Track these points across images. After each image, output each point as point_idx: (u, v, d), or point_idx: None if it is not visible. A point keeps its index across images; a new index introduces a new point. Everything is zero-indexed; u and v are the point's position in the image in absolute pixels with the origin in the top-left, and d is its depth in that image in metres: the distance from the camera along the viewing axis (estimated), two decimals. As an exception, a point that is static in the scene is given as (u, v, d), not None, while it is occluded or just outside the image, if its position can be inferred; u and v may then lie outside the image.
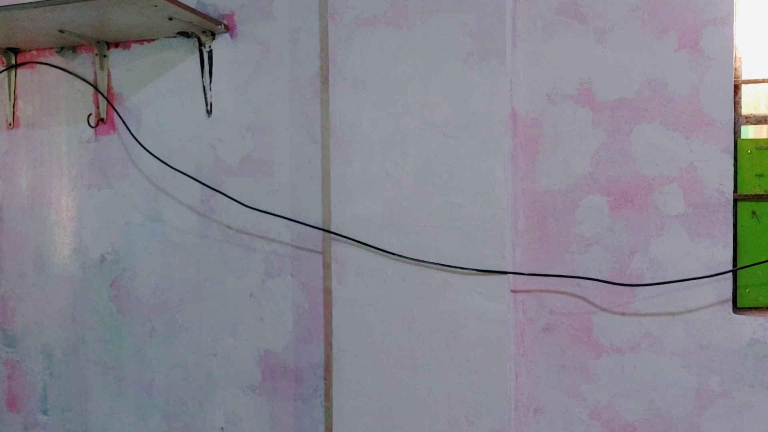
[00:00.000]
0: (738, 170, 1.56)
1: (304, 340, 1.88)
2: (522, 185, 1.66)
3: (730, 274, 1.54)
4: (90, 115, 2.05)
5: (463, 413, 1.61)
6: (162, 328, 2.01)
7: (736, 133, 1.57)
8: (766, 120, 1.58)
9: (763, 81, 1.59)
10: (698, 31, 1.53)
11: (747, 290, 1.57)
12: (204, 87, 1.93)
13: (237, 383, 1.94)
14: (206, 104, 1.93)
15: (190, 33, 1.91)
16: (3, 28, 1.84)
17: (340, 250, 1.69)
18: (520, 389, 1.67)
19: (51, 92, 2.10)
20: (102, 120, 2.04)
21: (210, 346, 1.96)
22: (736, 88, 1.56)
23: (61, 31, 1.87)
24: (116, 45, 2.02)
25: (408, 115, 1.63)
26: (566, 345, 1.64)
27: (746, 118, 1.58)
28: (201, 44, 1.92)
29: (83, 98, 2.06)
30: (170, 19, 1.76)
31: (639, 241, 1.58)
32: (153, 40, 1.98)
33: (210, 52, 1.92)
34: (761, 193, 1.56)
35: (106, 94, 2.02)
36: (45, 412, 2.15)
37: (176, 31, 1.89)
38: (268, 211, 1.86)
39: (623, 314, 1.60)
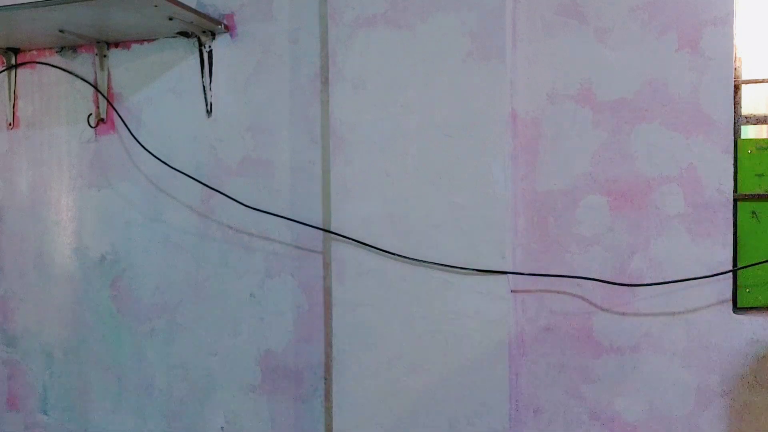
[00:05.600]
0: (738, 170, 1.56)
1: (304, 340, 1.88)
2: (522, 185, 1.66)
3: (730, 274, 1.54)
4: (90, 115, 2.05)
5: (463, 413, 1.61)
6: (162, 328, 2.00)
7: (736, 133, 1.57)
8: (766, 120, 1.58)
9: (763, 81, 1.58)
10: (698, 31, 1.53)
11: (747, 290, 1.57)
12: (204, 87, 1.93)
13: (237, 383, 1.94)
14: (206, 104, 1.93)
15: (190, 33, 1.91)
16: (3, 28, 1.84)
17: (340, 250, 1.69)
18: (520, 389, 1.67)
19: (51, 92, 2.10)
20: (102, 120, 2.03)
21: (210, 346, 1.96)
22: (736, 88, 1.56)
23: (61, 31, 1.87)
24: (116, 45, 2.02)
25: (408, 115, 1.63)
26: (566, 345, 1.64)
27: (746, 118, 1.58)
28: (201, 44, 1.92)
29: (83, 98, 2.06)
30: (170, 19, 1.76)
31: (639, 241, 1.58)
32: (153, 40, 1.98)
33: (210, 52, 1.92)
34: (761, 193, 1.56)
35: (106, 94, 2.02)
36: (45, 412, 2.15)
37: (176, 31, 1.89)
38: (268, 211, 1.86)
39: (623, 314, 1.60)
